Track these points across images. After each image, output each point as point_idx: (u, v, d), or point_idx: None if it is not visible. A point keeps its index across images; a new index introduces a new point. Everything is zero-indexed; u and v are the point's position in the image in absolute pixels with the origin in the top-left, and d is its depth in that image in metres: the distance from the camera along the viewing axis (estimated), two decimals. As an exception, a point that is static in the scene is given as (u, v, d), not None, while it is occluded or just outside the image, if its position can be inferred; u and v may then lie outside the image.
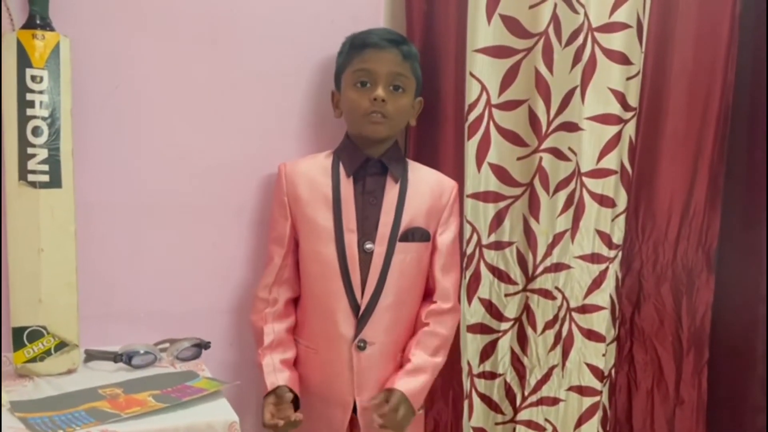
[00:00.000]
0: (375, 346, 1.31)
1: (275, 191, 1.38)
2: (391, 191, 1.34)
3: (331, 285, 1.31)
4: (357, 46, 1.33)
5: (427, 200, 1.36)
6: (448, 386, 1.59)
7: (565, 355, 1.63)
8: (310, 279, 1.34)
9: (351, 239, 1.30)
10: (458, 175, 1.50)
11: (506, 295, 1.62)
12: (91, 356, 1.28)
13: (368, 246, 1.31)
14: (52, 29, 1.20)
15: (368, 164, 1.34)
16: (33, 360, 1.19)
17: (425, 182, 1.38)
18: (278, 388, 1.28)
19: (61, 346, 1.21)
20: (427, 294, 1.40)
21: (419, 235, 1.35)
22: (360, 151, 1.34)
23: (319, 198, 1.32)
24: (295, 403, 1.28)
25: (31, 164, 1.18)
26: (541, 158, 1.57)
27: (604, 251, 1.63)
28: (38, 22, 1.20)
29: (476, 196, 1.56)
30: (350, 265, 1.30)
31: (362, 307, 1.31)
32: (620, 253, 1.66)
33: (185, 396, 1.12)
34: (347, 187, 1.33)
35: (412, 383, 1.30)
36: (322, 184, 1.34)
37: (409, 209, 1.34)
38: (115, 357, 1.26)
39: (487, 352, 1.63)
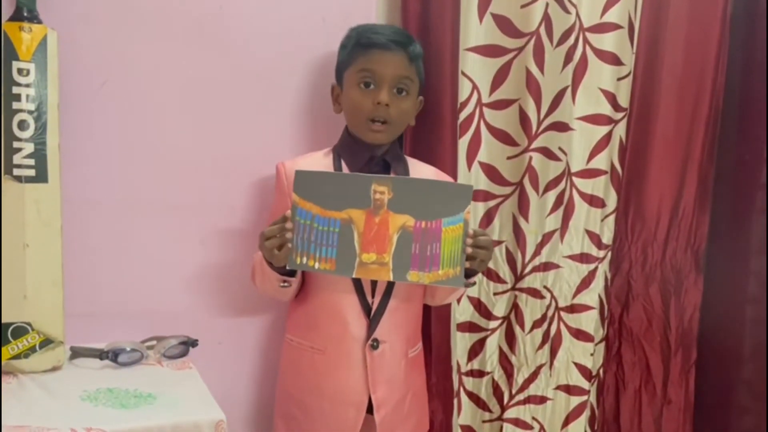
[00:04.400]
0: (386, 344, 1.30)
1: (276, 190, 1.35)
2: None
3: (341, 288, 1.29)
4: (363, 44, 1.31)
5: None
6: (441, 384, 1.59)
7: (553, 354, 1.64)
8: (318, 283, 1.31)
9: None
10: (454, 174, 1.50)
11: (495, 294, 1.62)
12: (76, 353, 1.27)
13: None
14: (39, 22, 1.19)
15: (372, 162, 1.33)
16: (17, 357, 1.18)
17: (426, 178, 1.36)
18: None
19: (46, 343, 1.20)
20: None
21: None
22: (363, 149, 1.33)
23: None
24: None
25: (17, 158, 1.16)
26: (531, 158, 1.57)
27: (594, 251, 1.64)
28: (25, 14, 1.18)
29: (466, 195, 1.56)
30: None
31: (374, 308, 1.29)
32: (609, 254, 1.67)
33: (426, 266, 1.18)
34: None
35: None
36: None
37: None
38: (101, 354, 1.25)
39: (476, 350, 1.63)
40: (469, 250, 1.20)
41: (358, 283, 1.29)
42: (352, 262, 1.17)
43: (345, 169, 1.33)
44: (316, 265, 1.17)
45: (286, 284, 1.25)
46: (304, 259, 1.17)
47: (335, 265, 1.17)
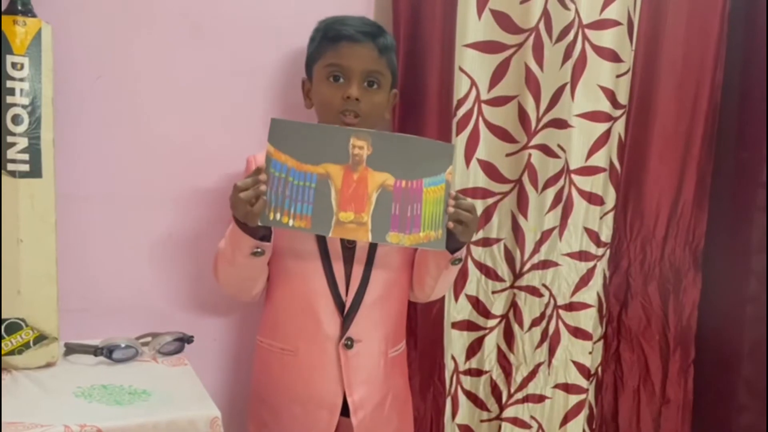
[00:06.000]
0: (362, 344, 1.26)
1: None
2: None
3: (313, 283, 1.25)
4: (330, 37, 1.26)
5: None
6: (428, 382, 1.57)
7: (551, 352, 1.63)
8: (288, 278, 1.27)
9: None
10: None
11: (493, 292, 1.61)
12: (70, 350, 1.26)
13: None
14: (33, 15, 1.18)
15: None
16: (11, 353, 1.17)
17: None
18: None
19: (40, 339, 1.19)
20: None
21: None
22: None
23: None
24: None
25: (11, 153, 1.15)
26: (530, 155, 1.56)
27: (592, 249, 1.63)
28: (20, 7, 1.17)
29: (464, 192, 1.55)
30: (333, 261, 1.25)
31: (347, 305, 1.25)
32: (608, 251, 1.66)
33: (406, 227, 1.13)
34: None
35: None
36: None
37: None
38: (96, 351, 1.24)
39: (474, 349, 1.62)
40: (451, 210, 1.15)
41: (331, 278, 1.25)
42: (329, 220, 1.12)
43: None
44: (291, 222, 1.11)
45: (259, 251, 1.17)
46: (278, 215, 1.11)
47: (311, 223, 1.12)
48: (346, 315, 1.25)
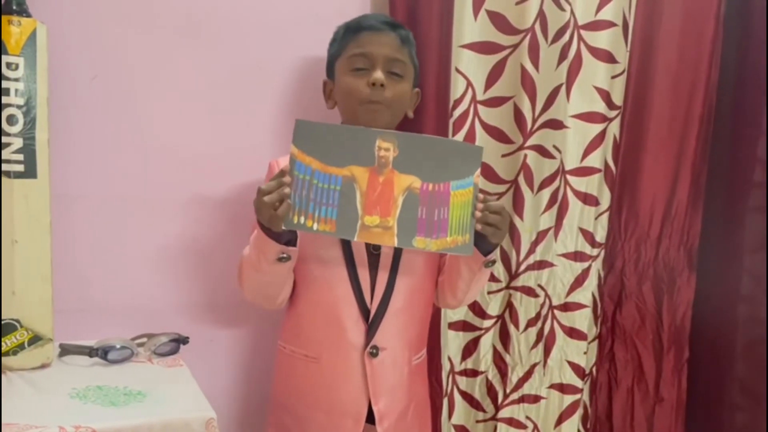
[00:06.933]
0: (387, 351, 1.23)
1: None
2: None
3: (338, 291, 1.22)
4: (352, 29, 1.27)
5: None
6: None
7: (547, 352, 1.63)
8: (312, 285, 1.24)
9: None
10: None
11: (489, 293, 1.61)
12: (65, 350, 1.26)
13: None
14: (28, 15, 1.18)
15: None
16: (6, 354, 1.17)
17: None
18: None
19: (35, 339, 1.19)
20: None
21: None
22: None
23: None
24: None
25: (6, 153, 1.15)
26: (525, 155, 1.57)
27: (587, 249, 1.64)
28: (14, 7, 1.17)
29: (460, 192, 1.56)
30: (358, 268, 1.22)
31: (372, 312, 1.22)
32: (603, 252, 1.67)
33: (433, 231, 1.10)
34: None
35: None
36: None
37: None
38: (91, 351, 1.24)
39: (470, 349, 1.62)
40: (479, 214, 1.12)
41: (356, 285, 1.22)
42: (354, 224, 1.09)
43: None
44: (315, 226, 1.08)
45: (284, 256, 1.14)
46: (302, 219, 1.08)
47: (335, 227, 1.08)
48: (371, 322, 1.23)
